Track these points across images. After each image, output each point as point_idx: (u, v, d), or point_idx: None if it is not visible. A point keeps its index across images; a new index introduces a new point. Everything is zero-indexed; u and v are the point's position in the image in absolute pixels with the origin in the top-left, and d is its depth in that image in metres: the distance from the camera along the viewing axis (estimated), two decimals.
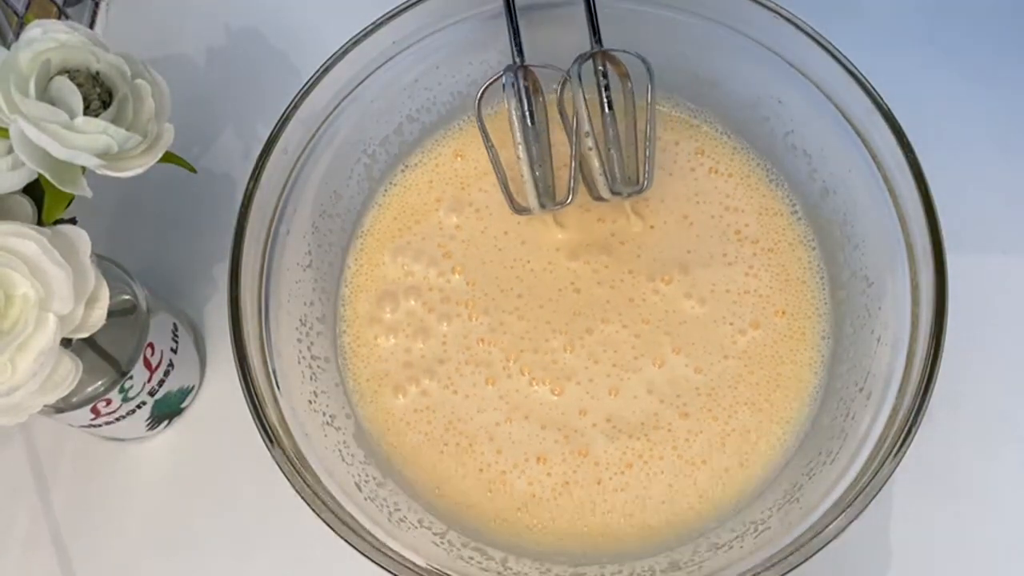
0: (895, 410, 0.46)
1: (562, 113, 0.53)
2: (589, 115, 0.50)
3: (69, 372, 0.44)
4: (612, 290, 0.56)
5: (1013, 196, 0.62)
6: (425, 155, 0.60)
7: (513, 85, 0.50)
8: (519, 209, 0.52)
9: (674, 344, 0.54)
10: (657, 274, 0.56)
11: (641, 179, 0.52)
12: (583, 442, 0.53)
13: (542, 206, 0.51)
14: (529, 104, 0.51)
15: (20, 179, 0.42)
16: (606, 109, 0.51)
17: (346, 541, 0.44)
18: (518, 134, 0.50)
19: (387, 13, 0.52)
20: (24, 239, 0.41)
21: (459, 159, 0.60)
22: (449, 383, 0.55)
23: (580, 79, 0.50)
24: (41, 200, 0.44)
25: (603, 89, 0.51)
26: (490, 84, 0.51)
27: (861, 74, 0.49)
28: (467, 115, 0.60)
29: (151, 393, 0.56)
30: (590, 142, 0.49)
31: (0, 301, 0.40)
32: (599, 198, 0.53)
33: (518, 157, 0.50)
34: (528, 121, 0.50)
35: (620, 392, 0.54)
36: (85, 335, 0.44)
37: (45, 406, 0.45)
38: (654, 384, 0.54)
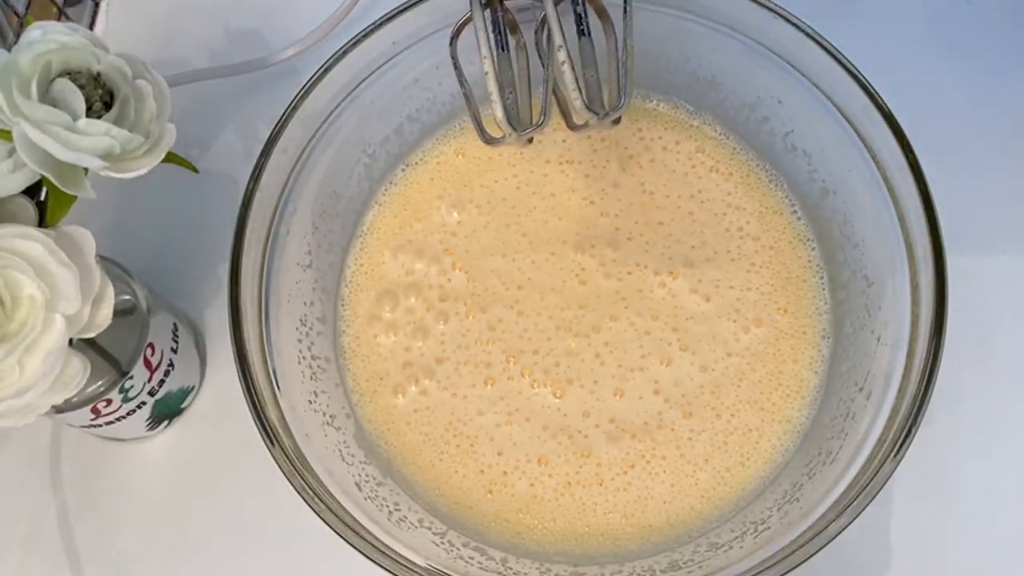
0: (895, 410, 0.46)
1: (540, 52, 0.51)
2: (563, 30, 0.46)
3: (78, 372, 0.44)
4: (620, 283, 0.56)
5: (1013, 196, 0.62)
6: (426, 154, 0.60)
7: (479, 6, 0.48)
8: (490, 139, 0.49)
9: (682, 341, 0.54)
10: (664, 268, 0.56)
11: (620, 96, 0.49)
12: (585, 443, 0.53)
13: (512, 128, 0.48)
14: (499, 17, 0.49)
15: (22, 181, 0.42)
16: (582, 36, 0.49)
17: (346, 541, 0.44)
18: (483, 49, 0.47)
19: (387, 13, 0.52)
20: (29, 240, 0.41)
21: (460, 157, 0.60)
22: (448, 384, 0.55)
23: None
24: (41, 202, 0.44)
25: (580, 16, 0.49)
26: (465, 20, 0.50)
27: (861, 74, 0.49)
28: (468, 114, 0.60)
29: (151, 393, 0.56)
30: (563, 55, 0.46)
31: (7, 303, 0.40)
32: (575, 127, 0.50)
33: (485, 72, 0.47)
34: (501, 29, 0.48)
35: (625, 393, 0.54)
36: (92, 334, 0.44)
37: None
38: (661, 384, 0.54)
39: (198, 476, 0.59)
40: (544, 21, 0.50)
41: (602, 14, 0.50)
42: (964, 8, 0.67)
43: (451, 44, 0.50)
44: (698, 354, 0.54)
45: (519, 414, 0.54)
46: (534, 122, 0.48)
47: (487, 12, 0.48)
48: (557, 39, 0.46)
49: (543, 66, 0.49)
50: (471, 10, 0.48)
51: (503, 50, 0.49)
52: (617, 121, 0.49)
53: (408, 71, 0.55)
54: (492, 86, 0.47)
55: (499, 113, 0.47)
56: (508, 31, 0.49)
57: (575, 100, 0.47)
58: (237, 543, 0.57)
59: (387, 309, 0.57)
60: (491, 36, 0.48)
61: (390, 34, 0.53)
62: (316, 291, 0.55)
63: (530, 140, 0.49)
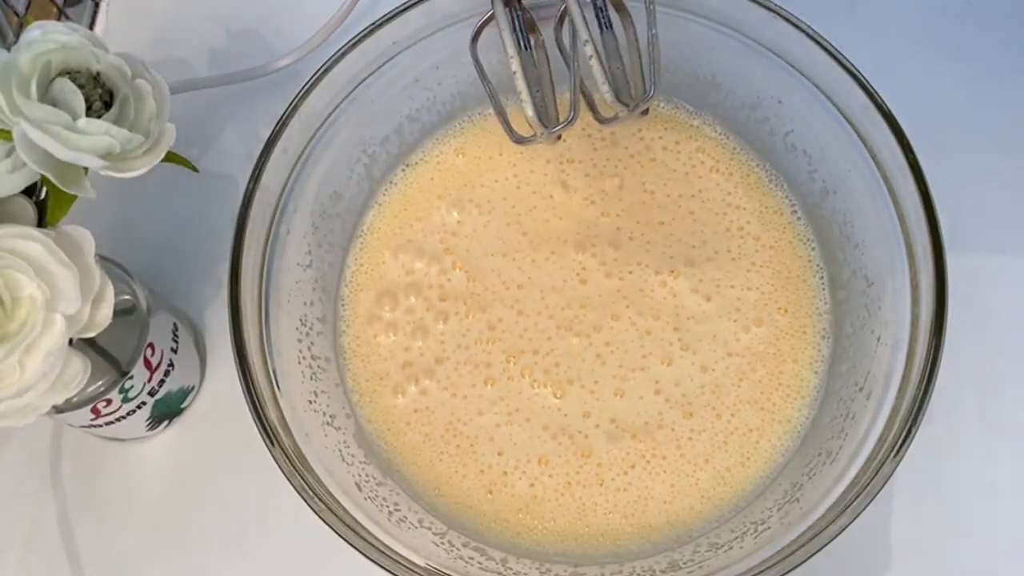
0: (895, 410, 0.46)
1: (561, 48, 0.51)
2: (587, 23, 0.47)
3: (78, 371, 0.44)
4: (621, 282, 0.56)
5: (1013, 196, 0.62)
6: (426, 154, 0.60)
7: (503, 6, 0.48)
8: (519, 139, 0.49)
9: (683, 341, 0.54)
10: (665, 267, 0.56)
11: (648, 87, 0.48)
12: (586, 443, 0.53)
13: (544, 125, 0.48)
14: (517, 16, 0.48)
15: (21, 181, 0.42)
16: (604, 29, 0.48)
17: (346, 541, 0.44)
18: (510, 48, 0.47)
19: (387, 13, 0.52)
20: (28, 240, 0.41)
21: (461, 156, 0.60)
22: (448, 384, 0.55)
23: None
24: (40, 202, 0.44)
25: (600, 10, 0.49)
26: (486, 20, 0.49)
27: (861, 74, 0.49)
28: (468, 114, 0.60)
29: (151, 393, 0.56)
30: (589, 49, 0.46)
31: (7, 303, 0.40)
32: (604, 120, 0.50)
33: (513, 72, 0.47)
34: (519, 28, 0.48)
35: (626, 393, 0.54)
36: (92, 334, 0.44)
37: None
38: (661, 383, 0.54)
39: (198, 476, 0.59)
40: (563, 17, 0.50)
41: (620, 8, 0.50)
42: (964, 8, 0.67)
43: (472, 44, 0.50)
44: (699, 354, 0.54)
45: (519, 414, 0.54)
46: (561, 119, 0.48)
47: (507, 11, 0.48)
48: (583, 33, 0.46)
49: (566, 63, 0.49)
50: (493, 9, 0.48)
51: (526, 48, 0.48)
52: (646, 112, 0.49)
53: (408, 71, 0.55)
54: (521, 85, 0.47)
55: (530, 112, 0.47)
56: (527, 30, 0.49)
57: (605, 93, 0.47)
58: (237, 543, 0.57)
59: (387, 309, 0.57)
60: (515, 35, 0.48)
61: (390, 34, 0.53)
62: (316, 291, 0.55)
63: (558, 137, 0.49)
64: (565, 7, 0.49)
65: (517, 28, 0.48)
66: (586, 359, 0.54)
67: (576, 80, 0.48)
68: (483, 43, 0.52)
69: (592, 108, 0.51)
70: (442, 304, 0.56)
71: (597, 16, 0.49)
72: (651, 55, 0.48)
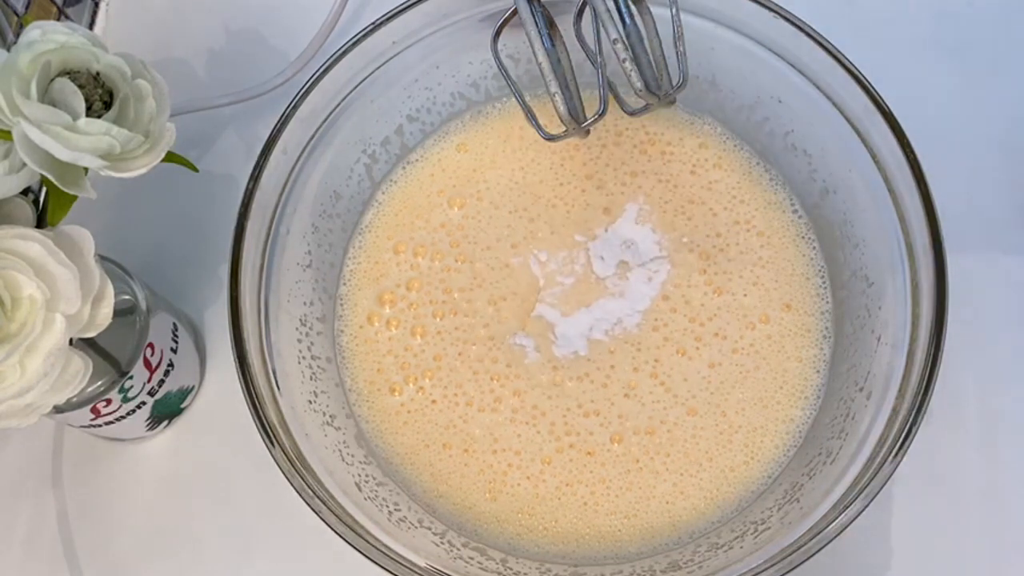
0: (895, 410, 0.46)
1: (581, 41, 0.51)
2: (614, 19, 0.46)
3: (78, 371, 0.44)
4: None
5: (1013, 196, 0.62)
6: (427, 151, 0.60)
7: (527, 4, 0.48)
8: (550, 136, 0.49)
9: (696, 333, 0.54)
10: (676, 259, 0.56)
11: (674, 76, 0.49)
12: (591, 442, 0.53)
13: (576, 122, 0.48)
14: (540, 17, 0.48)
15: (19, 183, 0.42)
16: (626, 20, 0.48)
17: (346, 541, 0.44)
18: (537, 46, 0.47)
19: (387, 13, 0.52)
20: (28, 241, 0.41)
21: (463, 153, 0.60)
22: (449, 382, 0.55)
23: None
24: (38, 202, 0.44)
25: (618, 2, 0.48)
26: (507, 18, 0.49)
27: (861, 74, 0.49)
28: (469, 112, 0.60)
29: (151, 393, 0.56)
30: (620, 49, 0.46)
31: (7, 304, 0.40)
32: (633, 112, 0.51)
33: (542, 71, 0.47)
34: (545, 29, 0.48)
35: (634, 389, 0.54)
36: (93, 334, 0.44)
37: None
38: (672, 378, 0.54)
39: (198, 476, 0.59)
40: (581, 11, 0.50)
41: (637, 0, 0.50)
42: (964, 8, 0.67)
43: (493, 42, 0.50)
44: (708, 348, 0.54)
45: (521, 413, 0.54)
46: (588, 113, 0.48)
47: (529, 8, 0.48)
48: (613, 33, 0.46)
49: (589, 58, 0.49)
50: (516, 6, 0.47)
51: (552, 46, 0.48)
52: (673, 101, 0.49)
53: (408, 71, 0.55)
54: (553, 84, 0.47)
55: (562, 108, 0.47)
56: (547, 25, 0.49)
57: (636, 83, 0.47)
58: (237, 543, 0.57)
59: (387, 308, 0.57)
60: (539, 32, 0.48)
61: (390, 34, 0.53)
62: (316, 291, 0.55)
63: (587, 132, 0.49)
64: (584, 2, 0.49)
65: (539, 25, 0.48)
66: (592, 356, 0.54)
67: (604, 75, 0.48)
68: (480, 42, 0.52)
69: (619, 100, 0.51)
70: (445, 299, 0.56)
71: (619, 10, 0.49)
72: (679, 45, 0.48)
